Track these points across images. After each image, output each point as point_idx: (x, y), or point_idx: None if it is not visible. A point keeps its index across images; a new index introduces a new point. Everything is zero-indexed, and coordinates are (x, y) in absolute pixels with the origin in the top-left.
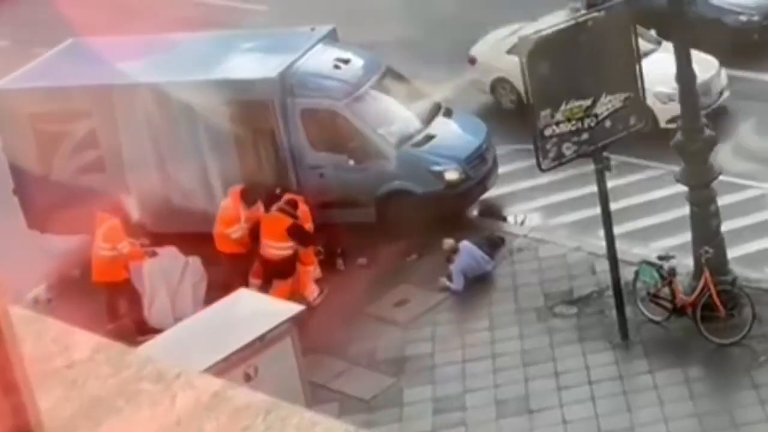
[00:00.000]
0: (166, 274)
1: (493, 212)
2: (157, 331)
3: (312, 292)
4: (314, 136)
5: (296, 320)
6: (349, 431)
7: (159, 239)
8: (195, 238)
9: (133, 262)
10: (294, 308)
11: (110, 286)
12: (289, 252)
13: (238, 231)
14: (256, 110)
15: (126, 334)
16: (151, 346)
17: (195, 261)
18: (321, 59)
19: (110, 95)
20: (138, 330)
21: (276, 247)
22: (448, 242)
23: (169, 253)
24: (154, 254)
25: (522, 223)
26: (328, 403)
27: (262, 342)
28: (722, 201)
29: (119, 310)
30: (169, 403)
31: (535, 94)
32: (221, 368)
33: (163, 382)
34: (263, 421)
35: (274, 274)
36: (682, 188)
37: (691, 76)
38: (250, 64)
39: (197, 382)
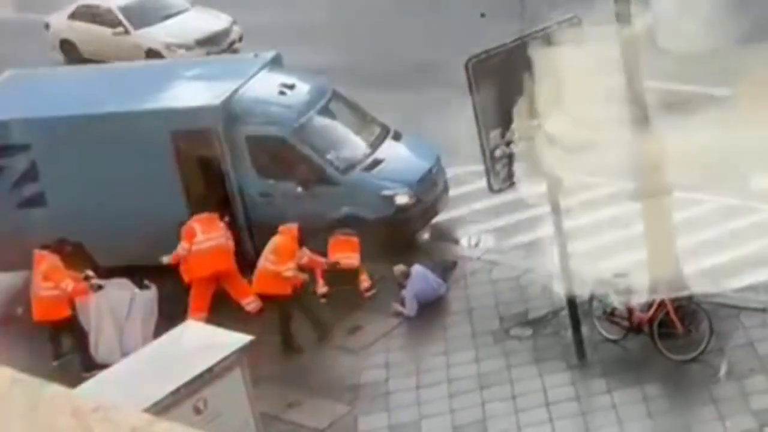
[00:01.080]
0: (113, 308)
1: (445, 235)
2: (103, 367)
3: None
4: (261, 163)
5: (246, 350)
6: None
7: (109, 273)
8: (145, 271)
9: (78, 299)
10: (243, 339)
11: (54, 324)
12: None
13: (290, 270)
14: (200, 139)
15: (72, 371)
16: (97, 381)
17: (144, 294)
18: (266, 85)
19: (50, 128)
20: (84, 366)
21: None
22: (399, 268)
23: (118, 284)
24: (99, 288)
25: (476, 245)
26: None
27: (212, 374)
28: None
29: (64, 347)
30: None
31: (484, 114)
32: (170, 402)
33: (79, 417)
34: None
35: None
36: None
37: None
38: (193, 92)
39: (115, 417)
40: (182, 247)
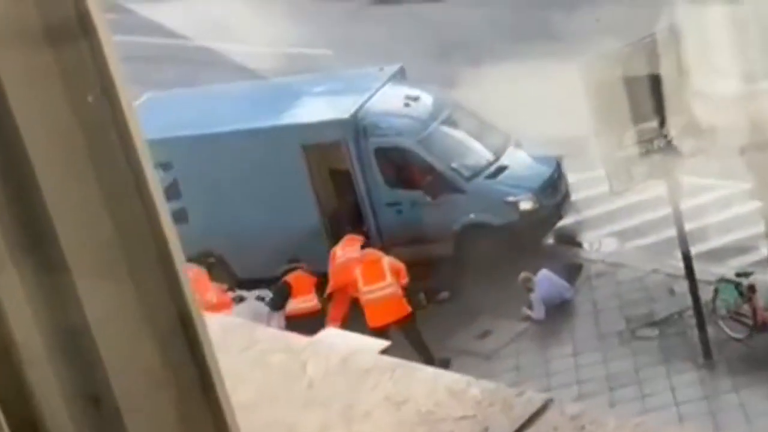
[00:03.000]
0: (253, 320)
1: (570, 239)
2: None
3: None
4: (389, 174)
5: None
6: (471, 382)
7: (248, 285)
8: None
9: (219, 311)
10: (381, 344)
11: None
12: None
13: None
14: (331, 152)
15: None
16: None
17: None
18: (391, 98)
19: (189, 146)
20: None
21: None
22: (524, 274)
23: (258, 296)
24: (242, 300)
25: (599, 248)
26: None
27: None
28: None
29: None
30: (300, 370)
31: (601, 118)
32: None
33: (291, 352)
34: (390, 378)
35: None
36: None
37: None
38: (322, 107)
39: (325, 351)
40: None
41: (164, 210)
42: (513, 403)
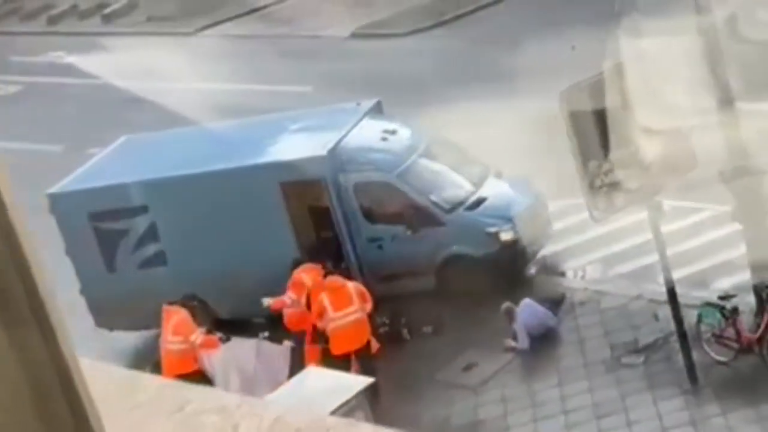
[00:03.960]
0: (239, 360)
1: (552, 268)
2: None
3: None
4: (369, 209)
5: (367, 393)
6: None
7: (229, 326)
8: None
9: (205, 351)
10: (364, 381)
11: (182, 378)
12: None
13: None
14: (309, 189)
15: None
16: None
17: (271, 346)
18: (369, 132)
19: (167, 188)
20: None
21: None
22: (506, 305)
23: (242, 340)
24: (227, 340)
25: (582, 276)
26: None
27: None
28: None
29: None
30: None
31: (581, 145)
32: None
33: (225, 413)
34: None
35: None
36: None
37: None
38: (300, 144)
39: (259, 411)
40: (289, 296)
41: (38, 266)
42: None
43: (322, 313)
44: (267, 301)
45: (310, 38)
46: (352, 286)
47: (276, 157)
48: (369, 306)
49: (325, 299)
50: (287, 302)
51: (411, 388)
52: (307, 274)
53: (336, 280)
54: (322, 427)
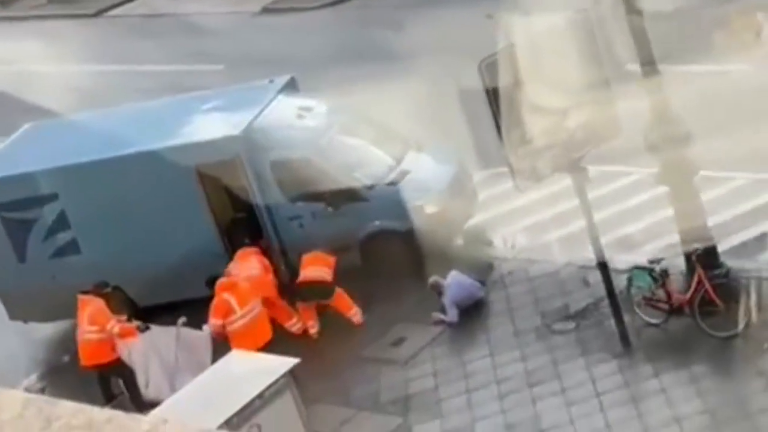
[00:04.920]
0: (159, 348)
1: (479, 238)
2: (156, 405)
3: None
4: (288, 187)
5: (294, 373)
6: None
7: (148, 313)
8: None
9: (124, 340)
10: (289, 362)
11: (101, 368)
12: None
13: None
14: (225, 169)
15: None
16: (152, 417)
17: (192, 332)
18: (284, 110)
19: (75, 175)
20: (137, 407)
21: None
22: (433, 279)
23: (161, 328)
24: (146, 329)
25: (511, 245)
26: None
27: (262, 399)
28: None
29: (114, 390)
30: None
31: (502, 115)
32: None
33: (93, 428)
34: None
35: None
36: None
37: None
38: (213, 124)
39: (128, 424)
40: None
41: None
42: None
43: (227, 313)
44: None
45: (220, 14)
46: (244, 284)
47: (189, 138)
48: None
49: (229, 298)
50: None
51: (339, 366)
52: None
53: (230, 280)
54: None
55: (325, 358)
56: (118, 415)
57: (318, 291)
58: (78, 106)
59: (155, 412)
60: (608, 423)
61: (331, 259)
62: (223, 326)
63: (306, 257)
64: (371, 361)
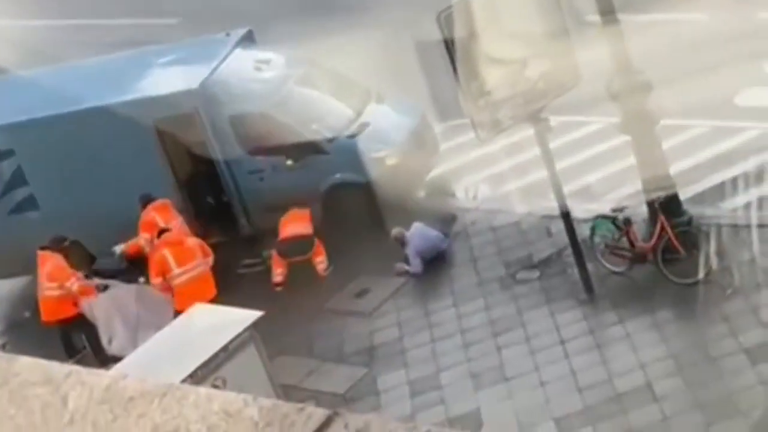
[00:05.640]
0: (120, 305)
1: (442, 189)
2: (119, 360)
3: None
4: (247, 141)
5: (258, 326)
6: (248, 401)
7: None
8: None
9: (85, 298)
10: (253, 315)
11: (62, 323)
12: None
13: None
14: (183, 124)
15: (89, 367)
16: (117, 369)
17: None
18: (241, 63)
19: (31, 130)
20: (100, 362)
21: None
22: (396, 230)
23: (121, 285)
24: (105, 288)
25: (473, 196)
26: (303, 403)
27: (226, 353)
28: None
29: (76, 345)
30: (60, 404)
31: (462, 66)
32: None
33: (52, 384)
34: (159, 406)
35: None
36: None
37: None
38: (170, 78)
39: (88, 379)
40: (143, 237)
41: None
42: (293, 421)
43: (165, 270)
44: (119, 249)
45: None
46: (192, 241)
47: (146, 92)
48: (210, 259)
49: (168, 255)
50: (141, 243)
51: (303, 318)
52: (159, 212)
53: (174, 235)
54: (156, 394)
55: (289, 311)
56: (78, 370)
57: (300, 246)
58: (31, 63)
59: (117, 367)
60: (573, 370)
61: (307, 213)
62: (164, 283)
63: (284, 219)
64: (335, 312)
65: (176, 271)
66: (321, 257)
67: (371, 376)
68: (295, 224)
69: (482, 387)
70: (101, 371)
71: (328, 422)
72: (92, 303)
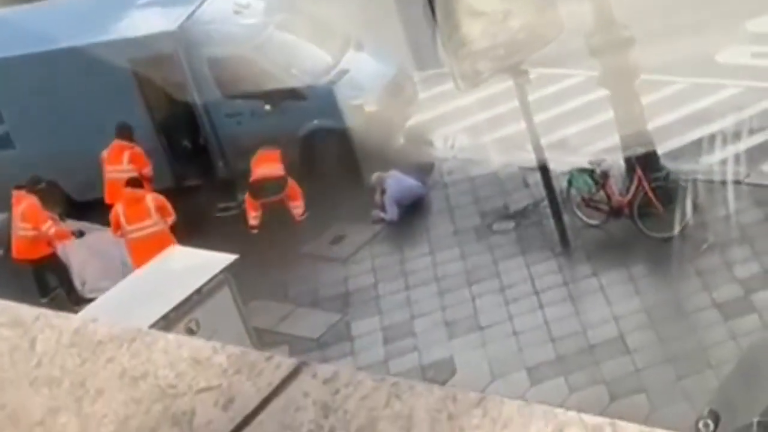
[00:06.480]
0: (96, 247)
1: (420, 138)
2: (93, 300)
3: None
4: (225, 84)
5: (232, 269)
6: (217, 348)
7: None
8: None
9: (60, 242)
10: (228, 258)
11: (35, 262)
12: None
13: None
14: (161, 66)
15: (62, 307)
16: (86, 312)
17: None
18: (221, 6)
19: (7, 69)
20: (73, 301)
21: None
22: (375, 175)
23: (97, 230)
24: (81, 235)
25: (452, 146)
26: (277, 346)
27: (201, 295)
28: None
29: (49, 284)
30: (28, 347)
31: (443, 15)
32: (162, 326)
33: (21, 327)
34: (128, 350)
35: None
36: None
37: None
38: (149, 20)
39: (57, 322)
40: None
41: None
42: (261, 369)
43: (117, 224)
44: None
45: None
46: (150, 199)
47: (125, 33)
48: (171, 219)
49: (120, 211)
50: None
51: (277, 263)
52: (133, 162)
53: (134, 192)
54: (125, 339)
55: (264, 255)
56: (47, 313)
57: (272, 186)
58: (7, 1)
59: (89, 308)
60: (546, 320)
61: (277, 153)
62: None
63: (255, 159)
64: (310, 258)
65: (127, 228)
66: (298, 202)
67: (345, 322)
68: (266, 165)
69: (456, 335)
70: (70, 315)
71: (296, 372)
72: (67, 248)
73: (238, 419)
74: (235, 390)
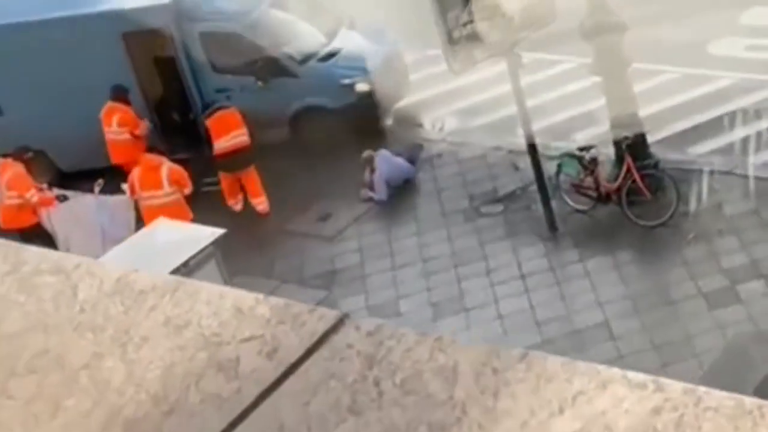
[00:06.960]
0: (79, 216)
1: (410, 119)
2: None
3: None
4: (217, 59)
5: (219, 244)
6: (260, 300)
7: (73, 178)
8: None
9: (44, 208)
10: (215, 232)
11: (21, 231)
12: None
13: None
14: (153, 39)
15: None
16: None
17: (114, 198)
18: None
19: None
20: None
21: None
22: (367, 153)
23: (81, 195)
24: (65, 199)
25: (441, 127)
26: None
27: (187, 268)
28: None
29: None
30: (71, 293)
31: None
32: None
33: (62, 274)
34: (171, 299)
35: None
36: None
37: None
38: None
39: (98, 270)
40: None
41: None
42: (305, 321)
43: (133, 188)
44: None
45: None
46: (165, 169)
47: (116, 5)
48: (187, 189)
49: (135, 176)
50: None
51: (264, 240)
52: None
53: (151, 159)
54: (167, 289)
55: (251, 232)
56: (88, 261)
57: (240, 160)
58: None
59: None
60: (532, 304)
61: (237, 114)
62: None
63: (211, 123)
64: (297, 235)
65: (141, 194)
66: (260, 198)
67: (331, 300)
68: (229, 135)
69: (441, 316)
70: (110, 264)
71: (339, 323)
72: (51, 213)
73: (283, 368)
74: (279, 340)
